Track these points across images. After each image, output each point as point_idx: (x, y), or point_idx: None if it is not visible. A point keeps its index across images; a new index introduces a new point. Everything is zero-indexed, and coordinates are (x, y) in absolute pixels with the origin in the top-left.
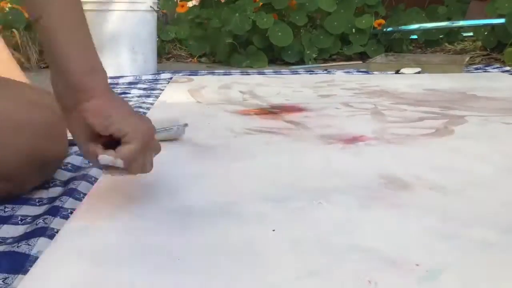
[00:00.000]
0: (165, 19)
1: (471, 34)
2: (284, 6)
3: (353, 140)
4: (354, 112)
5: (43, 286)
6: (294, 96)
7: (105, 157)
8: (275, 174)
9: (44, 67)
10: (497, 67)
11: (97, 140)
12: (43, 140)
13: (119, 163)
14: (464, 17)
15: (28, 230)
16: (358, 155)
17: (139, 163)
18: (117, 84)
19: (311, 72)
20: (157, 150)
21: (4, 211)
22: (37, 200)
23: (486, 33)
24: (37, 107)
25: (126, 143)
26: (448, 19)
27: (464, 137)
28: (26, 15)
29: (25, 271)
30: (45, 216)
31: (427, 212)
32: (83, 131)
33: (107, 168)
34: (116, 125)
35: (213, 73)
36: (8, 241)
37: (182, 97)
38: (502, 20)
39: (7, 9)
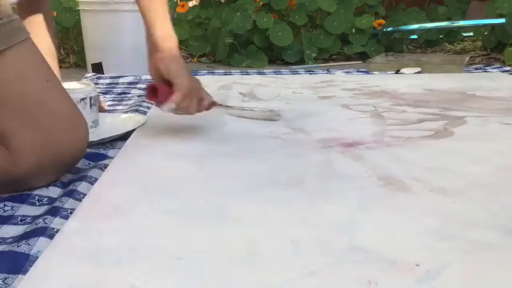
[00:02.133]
0: None
1: (471, 34)
2: (284, 6)
3: (353, 143)
4: (354, 115)
5: (43, 286)
6: (294, 98)
7: (165, 106)
8: (275, 175)
9: None
10: (497, 67)
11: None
12: (67, 127)
13: (172, 105)
14: (464, 17)
15: (28, 230)
16: (358, 158)
17: (184, 106)
18: (117, 84)
19: (311, 72)
20: (208, 99)
21: (4, 210)
22: (37, 200)
23: (486, 33)
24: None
25: (176, 92)
26: (448, 19)
27: (463, 138)
28: None
29: (25, 271)
30: (45, 216)
31: (427, 213)
32: (156, 72)
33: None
34: (172, 75)
35: (213, 73)
36: (8, 240)
37: None
38: (502, 20)
39: None
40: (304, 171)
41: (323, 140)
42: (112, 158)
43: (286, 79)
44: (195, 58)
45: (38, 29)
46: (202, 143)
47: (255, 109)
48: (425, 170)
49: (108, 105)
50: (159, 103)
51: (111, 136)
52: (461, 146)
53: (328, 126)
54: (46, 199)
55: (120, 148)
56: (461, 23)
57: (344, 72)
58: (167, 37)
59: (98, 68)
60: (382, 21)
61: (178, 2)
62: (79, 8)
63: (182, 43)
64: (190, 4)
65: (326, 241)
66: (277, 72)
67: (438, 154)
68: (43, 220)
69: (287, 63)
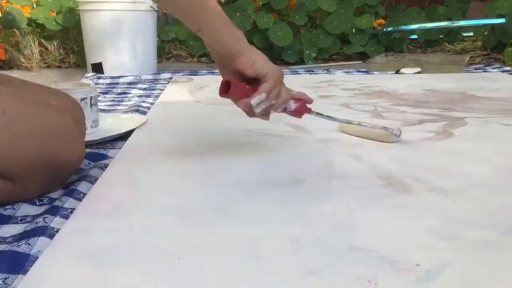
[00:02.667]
0: (165, 19)
1: (471, 34)
2: (284, 6)
3: (354, 143)
4: (354, 114)
5: (43, 286)
6: None
7: (255, 98)
8: (275, 174)
9: (44, 67)
10: (497, 67)
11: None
12: (58, 145)
13: (263, 95)
14: (464, 17)
15: (28, 229)
16: (358, 158)
17: (275, 93)
18: (117, 84)
19: (311, 72)
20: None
21: (4, 209)
22: (37, 199)
23: (486, 33)
24: (54, 111)
25: (266, 81)
26: (448, 19)
27: (463, 139)
28: (26, 14)
29: (25, 271)
30: (45, 216)
31: (427, 213)
32: (238, 77)
33: (253, 112)
34: (259, 68)
35: (213, 73)
36: (8, 240)
37: (182, 97)
38: (502, 20)
39: (7, 9)
40: (305, 170)
41: (324, 139)
42: (112, 158)
43: (286, 78)
44: (195, 58)
45: None
46: (202, 143)
47: (366, 124)
48: (425, 170)
49: (108, 105)
50: (238, 99)
51: (111, 136)
52: (461, 147)
53: (329, 124)
54: (46, 199)
55: (120, 148)
56: (461, 23)
57: (344, 72)
58: (239, 38)
59: (98, 68)
60: (382, 21)
61: None
62: (79, 8)
63: (182, 43)
64: None
65: (326, 241)
66: None
67: (438, 154)
68: (43, 219)
69: (287, 63)
